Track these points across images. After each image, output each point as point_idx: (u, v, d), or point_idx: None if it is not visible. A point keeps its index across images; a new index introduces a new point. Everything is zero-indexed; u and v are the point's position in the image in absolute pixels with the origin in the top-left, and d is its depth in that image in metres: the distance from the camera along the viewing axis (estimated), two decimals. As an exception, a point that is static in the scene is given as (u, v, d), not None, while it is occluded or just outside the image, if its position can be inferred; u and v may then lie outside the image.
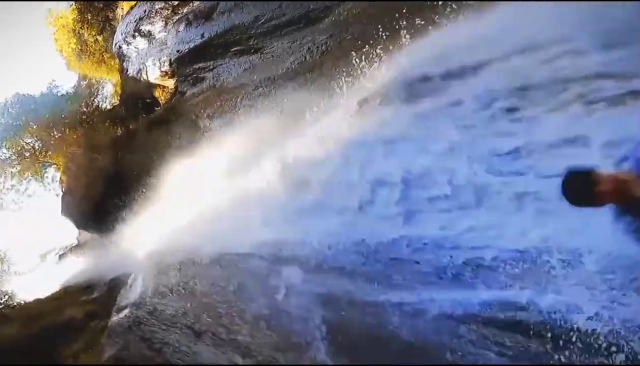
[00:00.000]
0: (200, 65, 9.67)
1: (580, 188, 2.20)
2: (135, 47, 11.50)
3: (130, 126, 11.77)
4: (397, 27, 5.25)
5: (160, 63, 10.75)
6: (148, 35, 10.98)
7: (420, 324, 3.47)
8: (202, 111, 9.27)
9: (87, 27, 14.17)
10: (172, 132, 9.61)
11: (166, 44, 10.41)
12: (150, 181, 9.16)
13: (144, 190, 9.35)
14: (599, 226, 2.44)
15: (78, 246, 14.04)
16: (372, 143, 4.27)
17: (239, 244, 5.04)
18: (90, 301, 8.13)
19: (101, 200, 10.97)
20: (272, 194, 5.08)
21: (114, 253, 9.21)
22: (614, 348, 2.89)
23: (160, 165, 8.84)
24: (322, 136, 4.94)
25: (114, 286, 7.80)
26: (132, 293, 6.34)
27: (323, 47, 7.18)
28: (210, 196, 6.47)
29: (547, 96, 3.62)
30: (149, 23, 10.86)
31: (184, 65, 10.04)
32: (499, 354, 3.33)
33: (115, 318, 6.01)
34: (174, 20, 10.24)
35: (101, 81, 14.90)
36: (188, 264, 5.54)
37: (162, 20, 10.49)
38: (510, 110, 3.75)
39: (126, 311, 6.13)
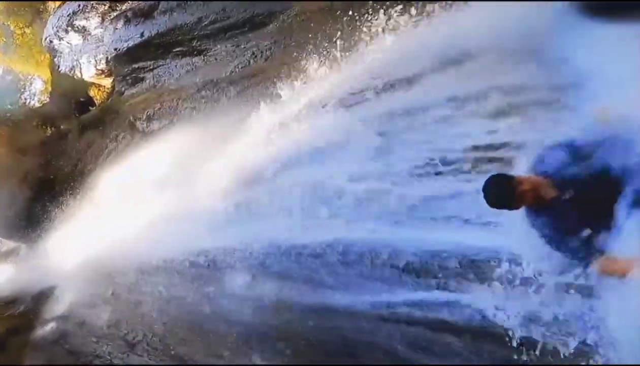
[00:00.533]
0: (140, 65, 9.31)
1: (503, 190, 2.40)
2: (69, 43, 10.83)
3: (62, 126, 11.04)
4: (337, 38, 5.41)
5: (96, 61, 10.21)
6: (83, 31, 10.40)
7: (354, 325, 3.59)
8: (141, 112, 8.91)
9: (14, 19, 13.17)
10: (108, 134, 9.16)
11: (102, 41, 9.91)
12: (82, 186, 8.65)
13: (75, 196, 8.81)
14: (520, 228, 2.67)
15: (1, 256, 12.93)
16: (311, 149, 4.38)
17: (177, 252, 4.93)
18: (14, 315, 7.55)
19: (28, 206, 10.18)
20: (211, 201, 5.02)
21: (41, 263, 8.60)
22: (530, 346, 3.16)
23: (94, 169, 8.39)
24: (263, 140, 4.97)
25: (41, 298, 7.28)
26: (59, 305, 5.96)
27: (267, 53, 7.20)
28: (147, 202, 6.25)
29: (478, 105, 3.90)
30: (84, 18, 10.29)
31: (122, 64, 9.61)
32: (430, 354, 3.53)
33: (40, 332, 5.62)
34: (112, 17, 9.78)
35: (29, 77, 13.89)
36: (121, 273, 5.31)
37: (99, 16, 9.98)
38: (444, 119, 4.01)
39: (53, 324, 5.76)
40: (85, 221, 7.82)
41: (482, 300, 3.31)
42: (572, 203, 2.37)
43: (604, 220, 2.30)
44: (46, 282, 7.44)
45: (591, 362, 2.74)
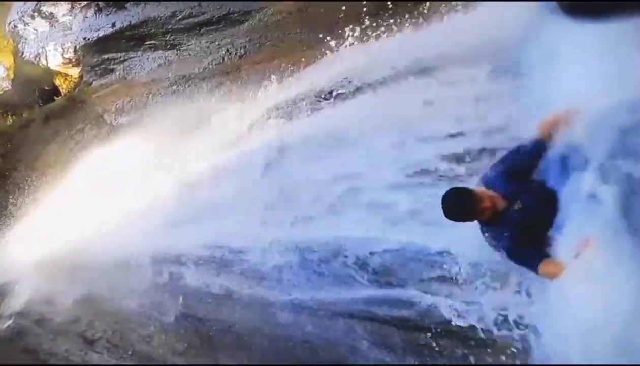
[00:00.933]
0: (110, 56, 9.06)
1: (464, 203, 2.53)
2: (34, 29, 10.42)
3: (24, 115, 10.60)
4: (312, 39, 5.48)
5: (63, 49, 9.86)
6: (50, 18, 10.02)
7: (316, 322, 3.67)
8: (110, 104, 8.69)
9: (-25, 0, 12.50)
10: (74, 125, 8.87)
11: (71, 29, 9.59)
12: (44, 179, 8.35)
13: (37, 188, 8.50)
14: (469, 234, 2.81)
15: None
16: (279, 147, 4.44)
17: (140, 248, 4.86)
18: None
19: (-16, 197, 9.72)
20: (177, 197, 4.98)
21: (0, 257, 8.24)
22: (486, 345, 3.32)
23: (58, 161, 8.11)
24: (233, 138, 4.97)
25: (-2, 294, 6.98)
26: (16, 302, 5.74)
27: (242, 51, 7.17)
28: (112, 197, 6.11)
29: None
30: (52, 4, 9.92)
31: (91, 54, 9.33)
32: (391, 351, 3.65)
33: (-6, 329, 5.41)
34: (82, 5, 9.48)
35: (-10, 62, 13.22)
36: (82, 269, 5.18)
37: (67, 3, 9.65)
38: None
39: (8, 322, 5.55)
40: (48, 215, 7.56)
41: (441, 299, 3.46)
42: (520, 213, 2.52)
43: (546, 228, 2.47)
44: (4, 277, 7.15)
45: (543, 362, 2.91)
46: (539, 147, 2.54)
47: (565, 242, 2.40)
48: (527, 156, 2.57)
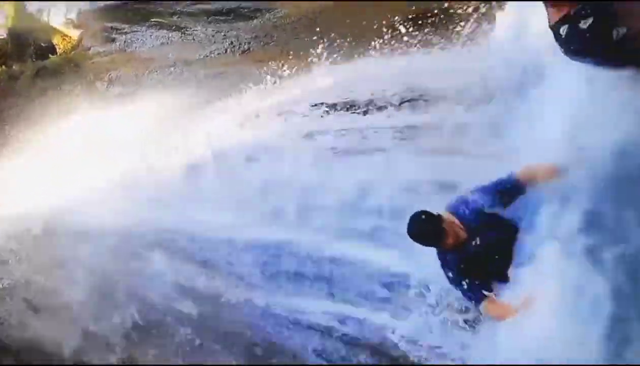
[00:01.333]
0: (114, 25, 8.99)
1: (431, 228, 2.57)
2: (43, -17, 10.26)
3: (14, 66, 10.36)
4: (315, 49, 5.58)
5: (67, 9, 9.75)
6: (60, -25, 9.90)
7: (266, 324, 3.70)
8: (105, 73, 8.59)
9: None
10: (63, 86, 8.72)
11: (80, -10, 9.50)
12: (23, 135, 8.18)
13: (13, 144, 8.30)
14: (429, 259, 2.88)
15: None
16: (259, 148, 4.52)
17: (110, 221, 4.81)
18: None
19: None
20: (154, 179, 4.97)
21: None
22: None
23: (41, 120, 7.95)
24: (219, 132, 5.01)
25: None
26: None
27: (245, 46, 7.23)
28: (93, 164, 6.02)
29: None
30: (64, -37, 9.81)
31: (95, 19, 9.25)
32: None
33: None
34: (95, -30, 9.41)
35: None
36: (40, 233, 5.08)
37: (80, -34, 9.56)
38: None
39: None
40: (22, 173, 7.38)
41: (385, 319, 3.52)
42: (478, 248, 2.61)
43: (500, 269, 2.56)
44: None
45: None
46: (515, 188, 2.60)
47: (516, 287, 2.47)
48: (500, 194, 2.61)
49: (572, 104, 2.56)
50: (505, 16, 3.66)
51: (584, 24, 2.34)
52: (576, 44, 2.40)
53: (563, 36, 2.43)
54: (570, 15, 2.35)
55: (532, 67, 3.03)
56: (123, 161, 5.73)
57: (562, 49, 2.50)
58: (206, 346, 4.11)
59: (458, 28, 4.21)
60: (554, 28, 2.45)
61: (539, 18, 2.63)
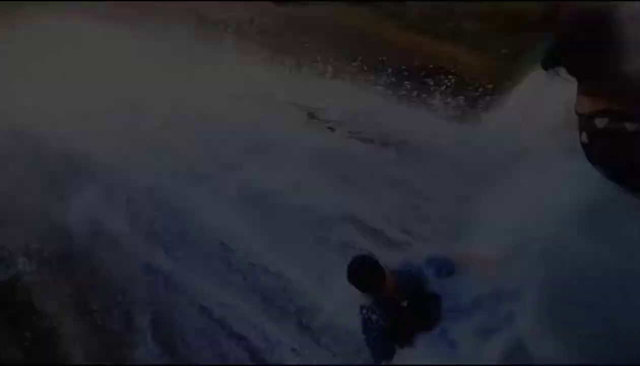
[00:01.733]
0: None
1: (371, 276, 2.59)
2: None
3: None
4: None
5: None
6: None
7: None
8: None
9: None
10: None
11: None
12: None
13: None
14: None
15: None
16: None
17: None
18: None
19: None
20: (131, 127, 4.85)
21: None
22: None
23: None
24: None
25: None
26: None
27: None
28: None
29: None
30: None
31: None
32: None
33: None
34: None
35: None
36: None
37: None
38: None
39: None
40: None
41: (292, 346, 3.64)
42: (401, 309, 2.62)
43: (410, 337, 2.53)
44: None
45: None
46: (449, 268, 2.65)
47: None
48: (434, 270, 2.64)
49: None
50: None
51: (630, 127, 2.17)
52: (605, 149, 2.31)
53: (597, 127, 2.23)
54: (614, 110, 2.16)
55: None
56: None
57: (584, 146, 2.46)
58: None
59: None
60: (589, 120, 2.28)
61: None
